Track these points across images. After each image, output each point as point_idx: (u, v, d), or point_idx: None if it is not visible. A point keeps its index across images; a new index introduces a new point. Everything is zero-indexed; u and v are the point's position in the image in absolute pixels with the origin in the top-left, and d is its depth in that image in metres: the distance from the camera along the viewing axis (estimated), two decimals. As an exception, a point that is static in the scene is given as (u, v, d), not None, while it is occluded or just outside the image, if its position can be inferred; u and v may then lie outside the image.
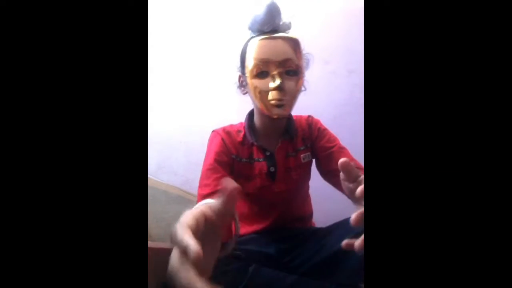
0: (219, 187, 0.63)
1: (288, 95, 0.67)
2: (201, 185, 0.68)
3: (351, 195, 0.43)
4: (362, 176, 0.41)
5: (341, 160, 0.40)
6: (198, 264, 0.26)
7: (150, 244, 0.56)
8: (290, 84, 0.67)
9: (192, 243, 0.26)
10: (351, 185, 0.43)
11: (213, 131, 0.79)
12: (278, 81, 0.65)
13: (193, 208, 0.35)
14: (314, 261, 0.65)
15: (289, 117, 0.78)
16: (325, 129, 0.80)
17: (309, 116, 0.82)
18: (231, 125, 0.80)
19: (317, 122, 0.81)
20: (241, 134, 0.77)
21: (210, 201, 0.41)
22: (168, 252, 0.57)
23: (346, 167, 0.41)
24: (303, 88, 0.75)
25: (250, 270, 0.56)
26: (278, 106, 0.67)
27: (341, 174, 0.43)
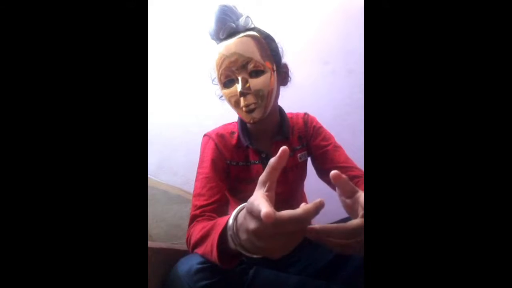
0: (213, 198, 0.64)
1: (258, 97, 0.64)
2: (195, 195, 0.66)
3: (348, 210, 0.43)
4: (361, 195, 0.40)
5: (332, 172, 0.40)
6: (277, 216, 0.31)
7: (150, 244, 0.56)
8: (257, 84, 0.63)
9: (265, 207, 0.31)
10: (347, 201, 0.41)
11: (205, 135, 0.76)
12: (240, 87, 0.62)
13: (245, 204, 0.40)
14: (316, 267, 0.64)
15: (282, 115, 0.76)
16: (320, 127, 0.78)
17: (305, 114, 0.80)
18: (224, 126, 0.78)
19: (313, 119, 0.79)
20: (235, 136, 0.74)
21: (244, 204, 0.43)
22: (168, 252, 0.57)
23: (338, 179, 0.40)
24: (289, 79, 0.73)
25: (250, 273, 0.56)
26: (249, 111, 0.64)
27: (337, 189, 0.42)
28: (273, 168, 0.38)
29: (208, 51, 0.71)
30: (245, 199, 0.81)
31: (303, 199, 0.84)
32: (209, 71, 0.72)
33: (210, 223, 0.52)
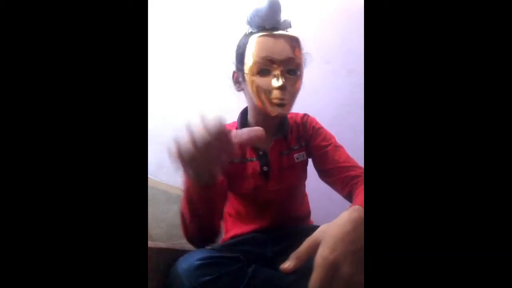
0: None
1: (289, 95, 0.67)
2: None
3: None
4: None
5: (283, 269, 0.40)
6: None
7: (150, 244, 0.55)
8: (291, 83, 0.67)
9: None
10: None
11: None
12: (281, 81, 0.65)
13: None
14: (307, 267, 0.64)
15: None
16: (320, 128, 0.78)
17: (304, 115, 0.81)
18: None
19: (312, 120, 0.80)
20: None
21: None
22: (168, 252, 0.57)
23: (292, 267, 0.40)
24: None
25: (249, 271, 0.56)
26: (280, 105, 0.66)
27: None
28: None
29: (233, 33, 0.73)
30: (240, 196, 0.82)
31: (304, 200, 0.85)
32: (233, 53, 0.73)
33: None
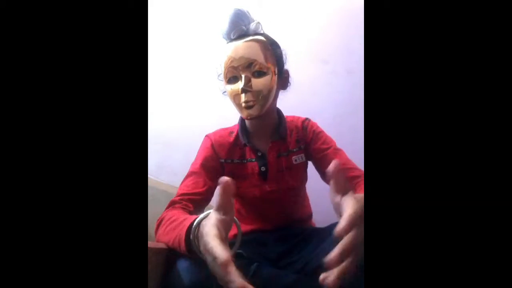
0: (196, 190, 0.68)
1: (257, 96, 0.69)
2: (181, 185, 0.71)
3: (336, 208, 0.40)
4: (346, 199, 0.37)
5: (332, 163, 0.38)
6: (229, 266, 0.34)
7: (150, 244, 0.55)
8: (258, 84, 0.69)
9: (220, 253, 0.34)
10: (337, 199, 0.38)
11: (206, 136, 0.81)
12: (241, 84, 0.68)
13: (206, 218, 0.42)
14: (313, 265, 0.64)
15: (280, 117, 0.80)
16: (320, 132, 0.80)
17: (306, 119, 0.82)
18: (225, 128, 0.82)
19: (313, 125, 0.81)
20: (234, 135, 0.79)
21: (210, 211, 0.44)
22: (168, 252, 0.56)
23: (335, 171, 0.38)
24: (288, 84, 0.78)
25: (252, 269, 0.56)
26: (247, 107, 0.69)
27: (330, 183, 0.40)
28: (224, 193, 0.39)
29: (215, 49, 0.76)
30: (240, 195, 0.83)
31: (305, 202, 0.86)
32: (216, 67, 0.76)
33: (181, 217, 0.55)
